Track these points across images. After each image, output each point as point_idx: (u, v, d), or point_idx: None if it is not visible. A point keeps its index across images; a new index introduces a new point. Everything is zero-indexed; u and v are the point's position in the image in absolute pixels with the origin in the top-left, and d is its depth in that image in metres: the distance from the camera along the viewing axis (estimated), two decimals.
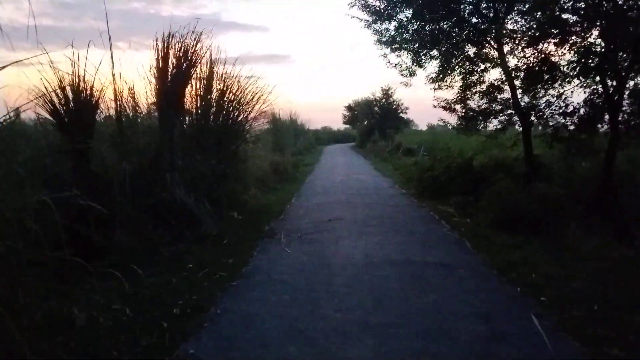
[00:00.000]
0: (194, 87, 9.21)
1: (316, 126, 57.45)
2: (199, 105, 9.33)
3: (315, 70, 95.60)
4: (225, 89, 9.69)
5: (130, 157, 7.08)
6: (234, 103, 9.99)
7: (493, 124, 11.04)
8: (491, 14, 10.59)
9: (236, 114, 10.04)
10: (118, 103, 7.06)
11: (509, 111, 10.61)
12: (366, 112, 42.70)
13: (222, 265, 5.65)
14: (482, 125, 11.24)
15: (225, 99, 9.77)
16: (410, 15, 10.73)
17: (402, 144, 29.43)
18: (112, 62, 6.91)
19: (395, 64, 11.35)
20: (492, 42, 10.62)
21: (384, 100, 40.90)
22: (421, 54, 11.03)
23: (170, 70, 7.84)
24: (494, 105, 10.82)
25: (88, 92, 6.32)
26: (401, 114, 41.30)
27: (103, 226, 5.66)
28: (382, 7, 10.62)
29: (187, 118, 9.09)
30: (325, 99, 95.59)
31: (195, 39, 8.05)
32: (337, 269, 5.44)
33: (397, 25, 10.78)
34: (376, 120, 39.94)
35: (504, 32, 9.95)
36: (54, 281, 4.72)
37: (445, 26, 10.78)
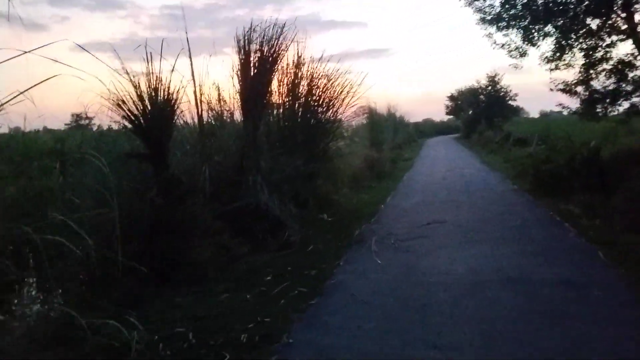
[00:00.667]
0: (280, 84, 8.78)
1: (417, 119, 55.75)
2: (285, 102, 8.86)
3: (415, 61, 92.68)
4: (313, 84, 9.14)
5: (212, 160, 6.77)
6: (323, 99, 9.39)
7: (623, 107, 9.35)
8: None
9: (325, 109, 9.45)
10: (199, 105, 6.76)
11: None
12: (471, 101, 40.17)
13: (303, 279, 5.04)
14: (609, 109, 9.57)
15: (313, 94, 9.21)
16: None
17: (512, 134, 27.15)
18: (191, 64, 6.63)
19: (503, 44, 10.06)
20: (620, 11, 8.95)
21: (490, 88, 38.08)
22: (533, 30, 9.61)
23: (252, 68, 7.42)
24: (624, 85, 9.15)
25: (165, 95, 6.05)
26: (510, 102, 38.23)
27: (181, 236, 5.34)
28: None
29: (271, 117, 8.65)
30: (427, 90, 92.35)
31: (277, 33, 7.56)
32: (435, 289, 4.56)
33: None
34: (482, 109, 37.37)
35: None
36: (125, 297, 4.44)
37: None
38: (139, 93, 5.63)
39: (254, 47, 7.43)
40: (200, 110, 6.76)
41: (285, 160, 7.88)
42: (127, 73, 5.49)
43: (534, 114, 51.97)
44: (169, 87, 5.96)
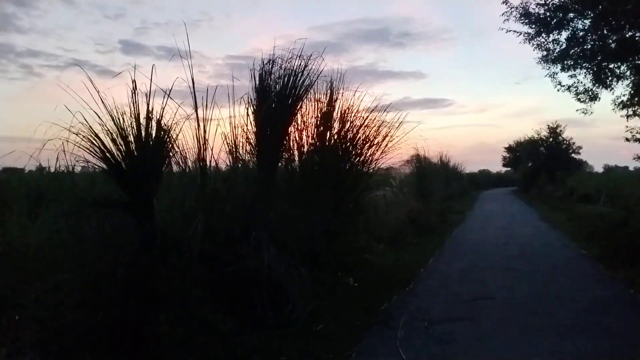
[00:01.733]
0: (305, 126, 7.75)
1: (473, 169, 53.61)
2: (310, 145, 7.79)
3: (474, 110, 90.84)
4: (346, 126, 8.05)
5: (213, 211, 5.72)
6: (356, 142, 8.25)
7: None
8: None
9: (359, 154, 8.29)
10: (201, 149, 5.78)
11: None
12: (530, 153, 37.89)
13: None
14: None
15: (345, 137, 8.10)
16: (588, 23, 8.07)
17: (575, 189, 24.89)
18: (194, 100, 5.69)
19: (569, 86, 8.67)
20: None
21: (551, 139, 35.90)
22: (606, 70, 8.20)
23: (269, 104, 6.45)
24: None
25: (158, 131, 5.13)
26: (573, 154, 35.78)
27: (149, 306, 4.25)
28: (548, 15, 8.15)
29: (293, 163, 7.57)
30: (483, 141, 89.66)
31: (301, 64, 6.59)
32: None
33: (569, 35, 8.18)
34: (542, 162, 35.06)
35: None
36: None
37: (638, 35, 7.89)
38: (119, 126, 4.71)
39: (272, 82, 6.48)
40: (203, 151, 5.77)
41: (303, 213, 6.74)
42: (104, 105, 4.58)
43: (598, 168, 48.63)
44: (160, 121, 5.04)
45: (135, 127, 4.89)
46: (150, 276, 4.52)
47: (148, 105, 5.03)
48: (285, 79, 6.54)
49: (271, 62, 6.47)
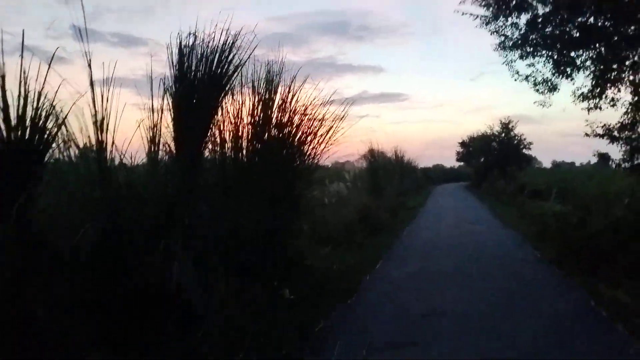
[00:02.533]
0: (240, 115, 6.77)
1: (427, 164, 53.94)
2: (245, 138, 6.83)
3: (430, 106, 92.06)
4: (286, 118, 7.13)
5: (113, 214, 4.68)
6: (299, 135, 7.36)
7: None
8: None
9: (300, 148, 7.40)
10: (98, 132, 4.71)
11: None
12: (482, 148, 38.21)
13: None
14: None
15: (286, 129, 7.19)
16: (549, 6, 7.46)
17: (526, 185, 25.01)
18: (91, 79, 4.61)
19: (527, 76, 8.04)
20: None
21: (503, 135, 36.24)
22: (566, 58, 7.62)
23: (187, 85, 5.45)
24: None
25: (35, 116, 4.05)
26: (524, 150, 36.25)
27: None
28: None
29: (223, 157, 6.57)
30: (439, 136, 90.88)
31: (228, 40, 5.60)
32: None
33: (529, 19, 7.55)
34: (494, 157, 35.35)
35: None
36: None
37: (602, 22, 7.34)
38: None
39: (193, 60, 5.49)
40: (100, 135, 4.69)
41: (233, 213, 5.82)
42: None
43: (546, 164, 50.04)
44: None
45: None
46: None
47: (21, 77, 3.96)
48: (210, 56, 5.56)
49: (192, 36, 5.47)
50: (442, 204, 23.35)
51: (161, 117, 5.38)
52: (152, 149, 5.42)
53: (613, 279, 6.42)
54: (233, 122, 6.57)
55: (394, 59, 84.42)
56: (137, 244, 4.55)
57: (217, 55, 5.59)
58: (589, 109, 7.78)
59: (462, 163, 52.13)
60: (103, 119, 4.68)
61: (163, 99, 5.47)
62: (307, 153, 7.48)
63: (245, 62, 5.95)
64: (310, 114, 7.36)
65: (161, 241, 4.57)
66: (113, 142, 4.82)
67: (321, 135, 7.51)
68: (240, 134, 6.74)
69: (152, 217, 4.94)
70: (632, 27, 7.15)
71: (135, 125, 5.21)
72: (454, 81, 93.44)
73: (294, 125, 7.15)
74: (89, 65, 4.56)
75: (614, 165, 8.24)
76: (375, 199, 16.87)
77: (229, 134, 6.60)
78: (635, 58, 7.19)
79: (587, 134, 7.67)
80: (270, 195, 6.70)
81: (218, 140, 6.30)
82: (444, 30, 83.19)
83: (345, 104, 7.42)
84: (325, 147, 7.55)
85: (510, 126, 35.84)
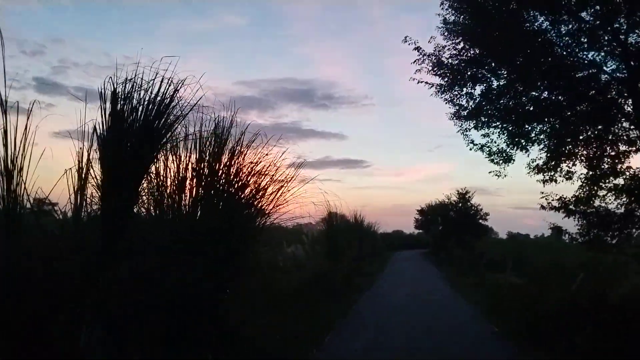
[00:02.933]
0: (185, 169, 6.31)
1: (387, 229, 53.94)
2: (189, 194, 6.33)
3: (390, 174, 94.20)
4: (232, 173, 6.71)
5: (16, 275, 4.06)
6: (246, 194, 6.92)
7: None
8: (625, 77, 7.15)
9: (248, 208, 6.94)
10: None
11: None
12: (440, 216, 38.61)
13: None
14: (620, 236, 7.35)
15: (233, 189, 6.74)
16: (505, 80, 7.52)
17: (484, 255, 25.06)
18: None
19: (482, 146, 7.98)
20: (631, 117, 7.08)
21: (460, 205, 36.79)
22: (520, 131, 7.62)
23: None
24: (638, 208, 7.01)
25: None
26: (480, 220, 36.77)
27: None
28: (462, 66, 7.52)
29: (163, 214, 6.03)
30: (399, 203, 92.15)
31: (168, 93, 5.24)
32: None
33: (483, 90, 7.58)
34: (452, 226, 35.66)
35: None
36: None
37: (555, 97, 7.44)
38: None
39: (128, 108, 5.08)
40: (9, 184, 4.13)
41: (164, 276, 5.21)
42: None
43: (502, 235, 51.06)
44: None
45: None
46: None
47: None
48: (149, 105, 5.17)
49: (129, 82, 5.07)
50: (399, 271, 22.97)
51: (88, 167, 4.89)
52: (77, 200, 4.88)
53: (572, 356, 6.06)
54: (174, 176, 6.11)
55: (357, 127, 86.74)
56: (43, 306, 3.91)
57: (156, 104, 5.21)
58: (544, 181, 7.73)
59: (421, 230, 52.38)
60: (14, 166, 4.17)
61: (90, 149, 5.00)
62: (256, 211, 7.03)
63: (187, 114, 5.58)
64: (262, 171, 6.99)
65: (68, 306, 3.96)
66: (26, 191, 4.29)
67: (272, 194, 7.12)
68: (182, 188, 6.26)
69: (65, 275, 4.32)
70: (585, 104, 7.26)
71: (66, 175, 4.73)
72: (413, 151, 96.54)
73: (242, 183, 6.73)
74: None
75: (568, 239, 8.12)
76: (332, 263, 16.37)
77: (169, 189, 6.12)
78: (589, 133, 7.26)
79: (542, 207, 7.58)
80: (212, 256, 6.14)
81: (156, 194, 5.81)
82: (404, 104, 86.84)
83: (301, 165, 7.11)
84: (275, 206, 7.13)
85: (467, 196, 36.49)
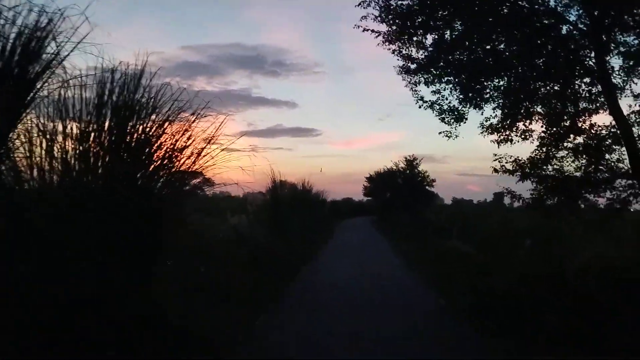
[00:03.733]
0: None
1: (337, 197, 53.82)
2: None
3: (341, 142, 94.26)
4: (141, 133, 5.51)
5: None
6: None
7: (600, 201, 6.60)
8: (588, 28, 6.45)
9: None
10: None
11: (627, 181, 6.20)
12: (388, 183, 38.48)
13: None
14: (575, 202, 6.77)
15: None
16: (458, 31, 6.65)
17: (430, 221, 25.03)
18: None
19: (433, 103, 7.14)
20: (594, 72, 6.41)
21: (408, 171, 36.75)
22: (475, 86, 6.82)
23: None
24: (598, 172, 6.42)
25: None
26: (427, 187, 36.94)
27: None
28: (413, 11, 6.57)
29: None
30: (349, 171, 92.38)
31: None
32: None
33: (436, 39, 6.69)
34: (399, 192, 35.62)
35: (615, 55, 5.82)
36: None
37: (513, 49, 6.67)
38: None
39: None
40: None
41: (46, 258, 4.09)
42: None
43: (447, 201, 52.15)
44: None
45: None
46: None
47: None
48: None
49: None
50: (346, 240, 22.46)
51: None
52: None
53: (537, 342, 5.35)
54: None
55: (307, 95, 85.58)
56: None
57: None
58: (498, 142, 7.06)
59: (369, 198, 52.43)
60: None
61: None
62: (169, 175, 5.91)
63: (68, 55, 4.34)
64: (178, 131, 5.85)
65: None
66: None
67: (191, 156, 6.01)
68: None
69: None
70: (544, 58, 6.54)
71: None
72: (364, 120, 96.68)
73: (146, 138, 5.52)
74: None
75: (522, 203, 7.52)
76: (277, 234, 15.56)
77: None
78: (548, 89, 6.57)
79: (495, 170, 6.92)
80: (116, 231, 5.02)
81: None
82: (354, 72, 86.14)
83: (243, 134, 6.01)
84: (193, 170, 6.03)
85: (414, 163, 36.46)
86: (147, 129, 5.39)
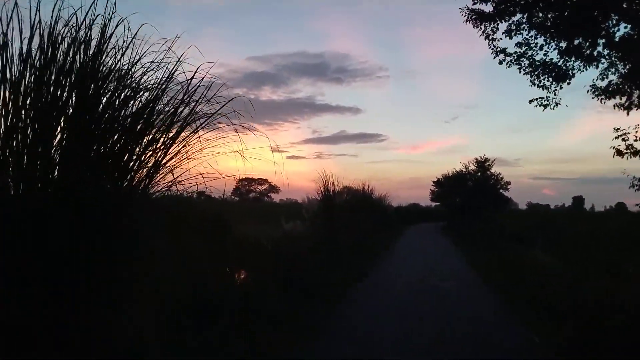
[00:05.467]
0: None
1: (404, 203, 51.51)
2: None
3: (406, 146, 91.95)
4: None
5: None
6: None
7: None
8: None
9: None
10: None
11: None
12: (457, 187, 35.64)
13: None
14: None
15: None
16: None
17: (506, 228, 22.32)
18: None
19: (520, 55, 5.09)
20: None
21: (479, 174, 33.84)
22: (585, 29, 4.70)
23: None
24: None
25: None
26: (501, 190, 33.84)
27: None
28: None
29: None
30: (415, 175, 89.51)
31: None
32: None
33: None
34: (470, 196, 32.76)
35: None
36: None
37: None
38: None
39: None
40: None
41: None
42: None
43: (521, 206, 48.35)
44: None
45: None
46: None
47: None
48: None
49: None
50: (411, 246, 20.33)
51: None
52: None
53: None
54: None
55: (371, 100, 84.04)
56: None
57: None
58: (621, 106, 4.90)
59: (437, 203, 49.47)
60: None
61: None
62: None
63: None
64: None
65: None
66: None
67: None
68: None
69: None
70: None
71: None
72: (429, 124, 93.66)
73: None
74: None
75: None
76: (327, 242, 13.99)
77: None
78: None
79: (618, 152, 4.80)
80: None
81: None
82: (419, 76, 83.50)
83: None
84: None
85: (486, 165, 33.55)
86: None
